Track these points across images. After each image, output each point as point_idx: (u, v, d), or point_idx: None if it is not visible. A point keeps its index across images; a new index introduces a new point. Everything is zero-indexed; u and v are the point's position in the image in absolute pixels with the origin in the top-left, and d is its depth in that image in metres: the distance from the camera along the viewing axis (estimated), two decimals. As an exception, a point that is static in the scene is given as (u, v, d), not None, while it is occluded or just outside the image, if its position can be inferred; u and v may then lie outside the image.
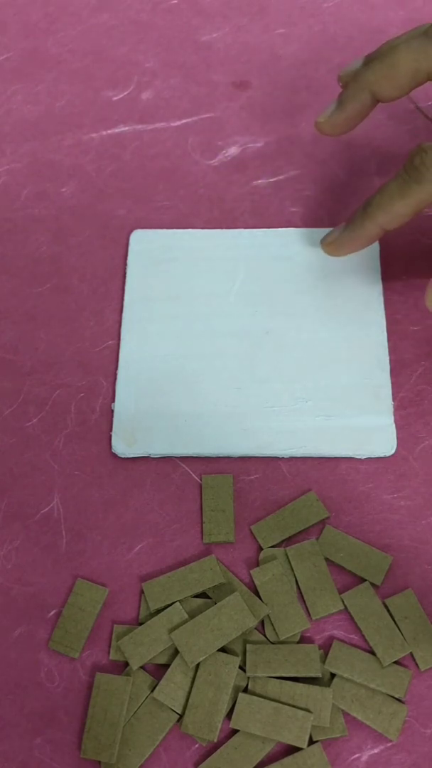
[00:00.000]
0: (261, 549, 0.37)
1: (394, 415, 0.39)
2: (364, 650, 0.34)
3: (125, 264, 0.44)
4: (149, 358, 0.41)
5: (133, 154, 0.48)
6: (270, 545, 0.37)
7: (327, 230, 0.44)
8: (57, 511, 0.38)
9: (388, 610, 0.35)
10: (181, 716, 0.33)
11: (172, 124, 0.49)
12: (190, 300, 0.43)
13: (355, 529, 0.37)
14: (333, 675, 0.34)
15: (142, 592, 0.36)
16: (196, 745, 0.33)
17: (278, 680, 0.33)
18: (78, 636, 0.35)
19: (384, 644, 0.34)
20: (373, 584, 0.36)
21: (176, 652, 0.34)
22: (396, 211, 0.37)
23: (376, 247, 0.44)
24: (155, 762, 0.33)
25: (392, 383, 0.40)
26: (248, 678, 0.34)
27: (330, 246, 0.41)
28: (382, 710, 0.33)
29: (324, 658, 0.34)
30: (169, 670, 0.34)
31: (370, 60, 0.38)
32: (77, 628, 0.35)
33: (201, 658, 0.33)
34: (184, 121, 0.49)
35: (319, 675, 0.33)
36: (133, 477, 0.39)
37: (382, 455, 0.38)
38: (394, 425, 0.39)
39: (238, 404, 0.40)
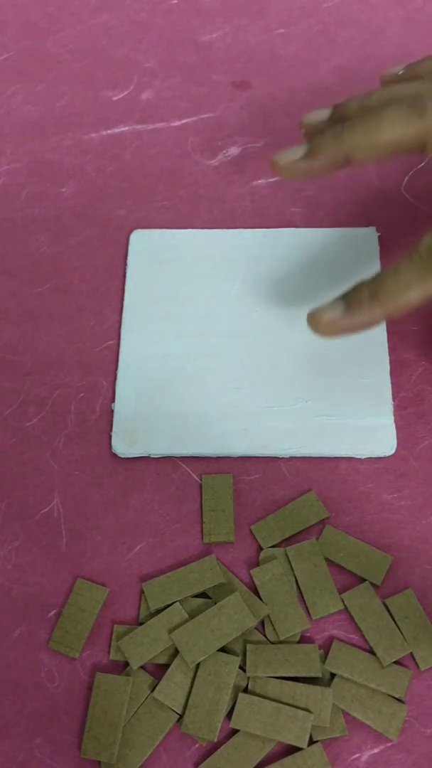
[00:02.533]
0: (261, 549, 0.37)
1: (394, 415, 0.39)
2: (364, 650, 0.34)
3: (125, 264, 0.44)
4: (149, 358, 0.41)
5: (133, 154, 0.48)
6: (270, 545, 0.37)
7: (327, 230, 0.44)
8: (57, 511, 0.38)
9: (388, 610, 0.35)
10: (181, 716, 0.33)
11: (172, 124, 0.49)
12: (190, 300, 0.43)
13: (355, 529, 0.37)
14: (333, 675, 0.34)
15: (142, 592, 0.36)
16: (196, 745, 0.33)
17: (278, 680, 0.33)
18: (78, 636, 0.35)
19: (384, 644, 0.34)
20: (373, 584, 0.36)
21: (176, 652, 0.34)
22: (411, 301, 0.34)
23: (375, 247, 0.44)
24: (155, 762, 0.33)
25: (392, 383, 0.40)
26: (248, 678, 0.34)
27: (326, 327, 0.35)
28: (382, 710, 0.33)
29: (324, 658, 0.34)
30: (169, 670, 0.34)
31: (353, 123, 0.36)
32: (77, 628, 0.35)
33: (201, 658, 0.33)
34: (184, 121, 0.49)
35: (319, 675, 0.33)
36: (133, 477, 0.39)
37: (382, 455, 0.38)
38: (394, 425, 0.39)
39: (238, 404, 0.40)
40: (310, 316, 0.35)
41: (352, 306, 0.34)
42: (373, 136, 0.35)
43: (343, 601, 0.35)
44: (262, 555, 0.37)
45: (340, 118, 0.37)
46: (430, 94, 0.35)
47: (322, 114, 0.38)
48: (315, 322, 0.35)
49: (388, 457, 0.39)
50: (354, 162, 0.36)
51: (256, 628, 0.35)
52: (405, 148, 0.35)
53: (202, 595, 0.36)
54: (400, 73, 0.39)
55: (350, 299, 0.35)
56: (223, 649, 0.34)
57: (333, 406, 0.39)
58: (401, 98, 0.35)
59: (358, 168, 0.46)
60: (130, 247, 0.45)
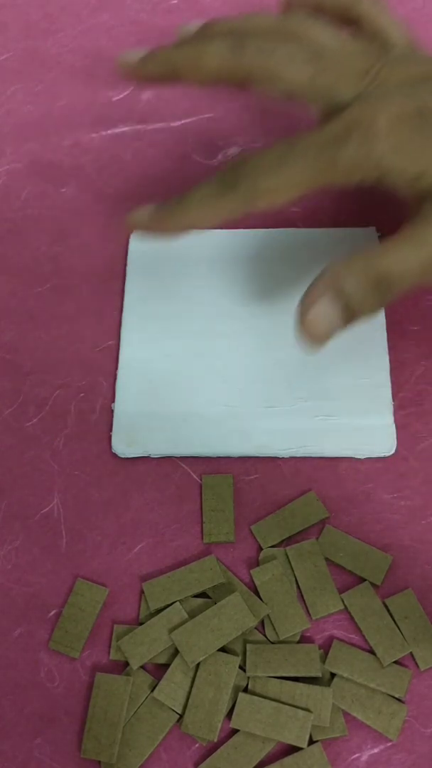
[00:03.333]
0: (261, 549, 0.37)
1: (394, 415, 0.39)
2: (364, 650, 0.34)
3: (125, 264, 0.44)
4: (149, 358, 0.41)
5: (133, 155, 0.48)
6: (270, 545, 0.37)
7: (327, 230, 0.44)
8: (57, 511, 0.38)
9: (388, 610, 0.35)
10: (181, 716, 0.33)
11: (172, 124, 0.49)
12: (190, 300, 0.43)
13: (355, 529, 0.37)
14: (333, 675, 0.34)
15: (142, 592, 0.36)
16: (197, 745, 0.33)
17: (278, 680, 0.33)
18: (78, 636, 0.35)
19: (384, 644, 0.34)
20: (373, 584, 0.36)
21: (176, 651, 0.34)
22: (206, 217, 0.35)
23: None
24: (155, 762, 0.33)
25: (392, 383, 0.40)
26: (248, 678, 0.34)
27: (132, 223, 0.37)
28: (382, 710, 0.33)
29: (324, 658, 0.34)
30: (169, 669, 0.34)
31: (185, 43, 0.38)
32: (77, 628, 0.35)
33: (201, 658, 0.33)
34: (184, 121, 0.49)
35: (319, 675, 0.33)
36: (133, 477, 0.39)
37: (381, 455, 0.38)
38: (393, 425, 0.39)
39: (238, 404, 0.40)
40: (129, 216, 0.37)
41: (159, 210, 0.36)
42: (196, 60, 0.37)
43: (343, 601, 0.35)
44: (262, 555, 0.37)
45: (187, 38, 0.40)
46: (254, 35, 0.37)
47: (196, 25, 0.40)
48: (130, 218, 0.37)
49: (388, 457, 0.39)
50: (182, 79, 0.37)
51: (256, 628, 0.35)
52: (224, 80, 0.37)
53: (202, 595, 0.36)
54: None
55: (160, 205, 0.37)
56: (223, 649, 0.34)
57: (333, 406, 0.39)
58: (233, 33, 0.37)
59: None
60: (130, 247, 0.45)
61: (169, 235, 0.36)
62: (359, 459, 0.39)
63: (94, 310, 0.43)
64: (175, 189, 0.47)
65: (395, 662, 0.34)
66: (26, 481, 0.39)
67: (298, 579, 0.36)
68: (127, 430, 0.39)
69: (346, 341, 0.41)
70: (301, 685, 0.33)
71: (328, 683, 0.34)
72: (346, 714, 0.33)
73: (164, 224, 0.36)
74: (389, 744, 0.33)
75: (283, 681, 0.33)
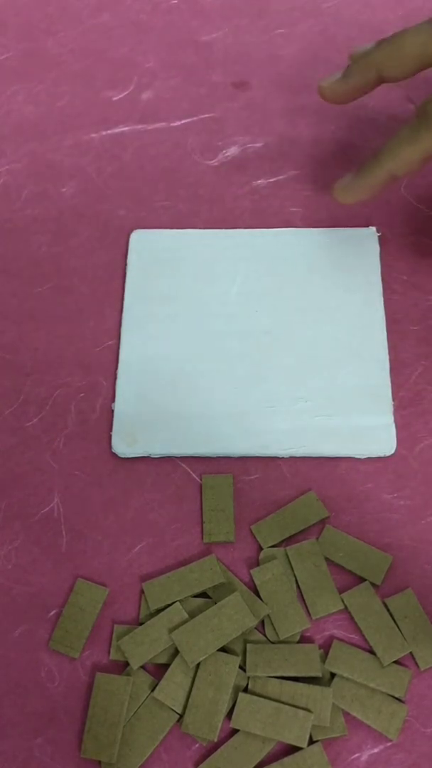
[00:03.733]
0: (261, 549, 0.37)
1: (394, 414, 0.39)
2: (364, 650, 0.34)
3: (125, 264, 0.44)
4: (149, 358, 0.41)
5: (133, 155, 0.48)
6: (270, 545, 0.37)
7: (327, 230, 0.45)
8: (57, 511, 0.38)
9: (388, 610, 0.35)
10: (181, 716, 0.33)
11: (172, 125, 0.49)
12: (190, 300, 0.43)
13: (355, 528, 0.37)
14: (333, 675, 0.34)
15: (142, 591, 0.36)
16: (197, 745, 0.33)
17: (278, 680, 0.33)
18: (78, 636, 0.35)
19: (384, 644, 0.34)
20: (373, 584, 0.36)
21: (176, 651, 0.34)
22: (405, 157, 0.38)
23: (375, 247, 0.44)
24: (155, 762, 0.33)
25: (392, 383, 0.40)
26: (248, 678, 0.34)
27: (341, 192, 0.41)
28: (382, 710, 0.33)
29: (324, 658, 0.34)
30: (170, 669, 0.34)
31: (380, 42, 0.39)
32: (77, 627, 0.35)
33: (201, 658, 0.33)
34: (184, 121, 0.49)
35: (319, 675, 0.33)
36: (133, 477, 0.39)
37: (381, 455, 0.38)
38: (393, 425, 0.39)
39: (238, 404, 0.40)
40: (335, 186, 0.41)
41: (359, 169, 0.40)
42: (397, 50, 0.38)
43: (343, 601, 0.35)
44: (262, 555, 0.37)
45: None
46: None
47: (369, 46, 0.41)
48: (335, 188, 0.41)
49: (388, 456, 0.39)
50: (386, 78, 0.39)
51: (256, 628, 0.35)
52: (428, 61, 0.38)
53: (202, 594, 0.36)
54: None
55: (359, 170, 0.40)
56: (223, 649, 0.34)
57: (333, 406, 0.39)
58: (426, 21, 0.39)
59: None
60: (130, 247, 0.45)
61: (375, 192, 0.40)
62: (359, 459, 0.39)
63: (94, 310, 0.43)
64: (174, 189, 0.47)
65: (395, 662, 0.34)
66: (26, 481, 0.39)
67: (298, 579, 0.36)
68: (127, 430, 0.39)
69: (346, 341, 0.41)
70: (301, 685, 0.33)
71: (328, 683, 0.34)
72: (346, 714, 0.33)
73: (367, 186, 0.39)
74: (389, 744, 0.33)
75: (283, 681, 0.33)
